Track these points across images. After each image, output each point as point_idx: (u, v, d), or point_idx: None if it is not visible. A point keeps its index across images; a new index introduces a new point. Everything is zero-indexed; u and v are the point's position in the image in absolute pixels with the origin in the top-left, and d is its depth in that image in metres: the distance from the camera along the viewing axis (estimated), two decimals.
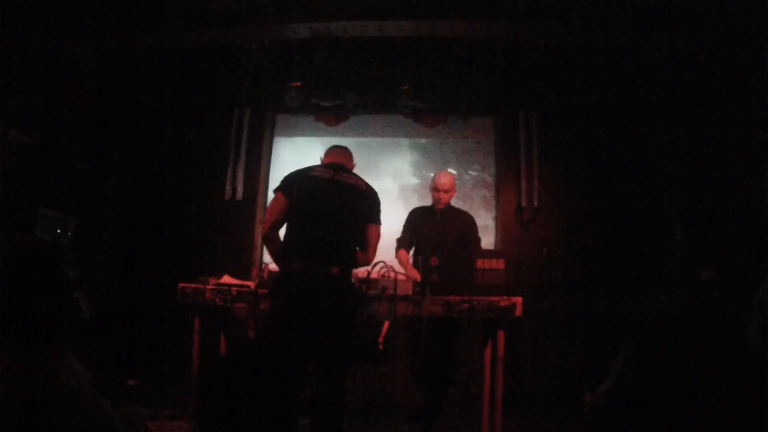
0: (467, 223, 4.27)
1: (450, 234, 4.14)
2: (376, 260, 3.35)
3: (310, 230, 3.10)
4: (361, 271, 3.38)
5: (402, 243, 4.33)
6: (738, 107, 4.68)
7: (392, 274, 3.33)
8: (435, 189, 4.19)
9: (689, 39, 4.82)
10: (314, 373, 3.02)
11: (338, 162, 3.36)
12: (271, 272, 3.41)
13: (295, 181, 3.25)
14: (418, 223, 4.30)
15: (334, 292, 3.02)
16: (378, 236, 3.26)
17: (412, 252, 4.32)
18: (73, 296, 1.49)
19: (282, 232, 3.26)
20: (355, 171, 3.45)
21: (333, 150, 3.49)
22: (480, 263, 3.46)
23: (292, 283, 3.04)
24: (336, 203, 3.15)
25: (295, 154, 5.83)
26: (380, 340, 4.22)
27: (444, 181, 4.18)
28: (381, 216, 3.28)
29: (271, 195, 5.77)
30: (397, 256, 4.26)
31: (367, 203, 3.24)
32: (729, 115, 4.79)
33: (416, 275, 3.74)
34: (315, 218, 3.11)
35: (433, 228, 4.19)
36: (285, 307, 3.04)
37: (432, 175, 4.61)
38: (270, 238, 3.21)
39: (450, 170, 4.99)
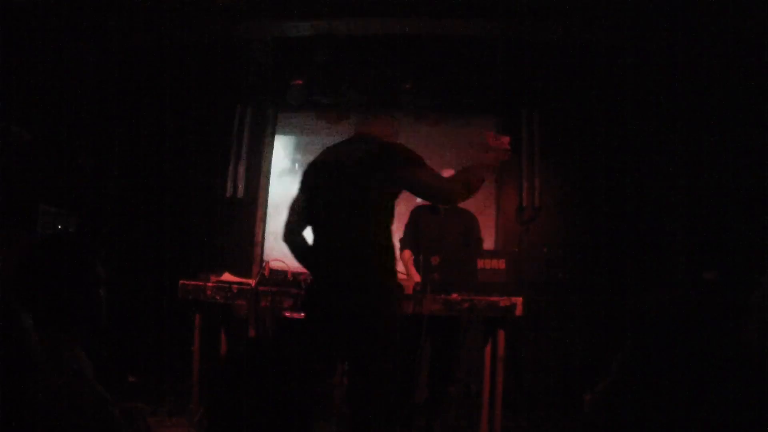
0: (470, 221, 4.23)
1: (453, 232, 4.11)
2: None
3: (321, 231, 2.66)
4: None
5: (405, 243, 4.28)
6: (738, 107, 4.66)
7: None
8: None
9: (689, 39, 4.81)
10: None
11: (362, 133, 2.75)
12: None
13: (307, 173, 2.78)
14: (420, 222, 4.25)
15: (353, 301, 2.49)
16: (428, 174, 2.54)
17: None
18: (100, 291, 1.52)
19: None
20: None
21: (360, 121, 2.86)
22: (481, 263, 3.46)
23: (313, 296, 2.69)
24: (338, 190, 2.56)
25: (297, 152, 5.84)
26: None
27: None
28: (414, 156, 2.55)
29: (272, 192, 5.85)
30: (401, 256, 4.19)
31: (382, 162, 2.52)
32: (729, 115, 4.78)
33: (416, 276, 3.71)
34: (323, 215, 2.63)
35: (436, 226, 4.14)
36: (311, 321, 2.67)
37: None
38: (288, 242, 2.74)
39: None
